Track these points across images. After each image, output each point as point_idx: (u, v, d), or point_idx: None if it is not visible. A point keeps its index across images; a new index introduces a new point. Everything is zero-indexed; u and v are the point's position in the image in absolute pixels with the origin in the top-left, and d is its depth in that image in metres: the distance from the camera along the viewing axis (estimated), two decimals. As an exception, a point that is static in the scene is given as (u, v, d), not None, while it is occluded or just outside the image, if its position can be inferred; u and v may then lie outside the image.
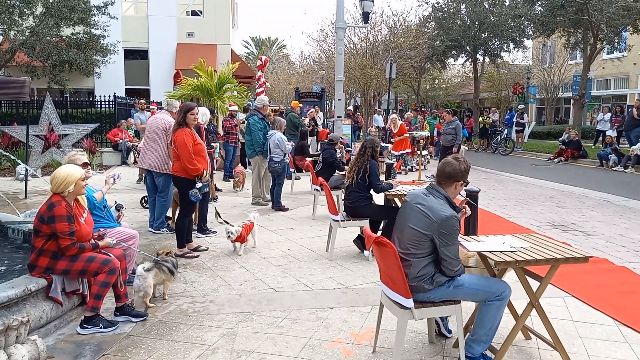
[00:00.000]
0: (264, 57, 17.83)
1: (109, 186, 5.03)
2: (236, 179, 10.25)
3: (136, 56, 23.58)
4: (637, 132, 15.87)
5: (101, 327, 3.84)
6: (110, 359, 3.47)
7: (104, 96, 17.33)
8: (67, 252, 3.76)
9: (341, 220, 5.84)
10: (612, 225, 7.77)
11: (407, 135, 14.08)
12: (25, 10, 16.35)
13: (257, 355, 3.53)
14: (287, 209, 8.45)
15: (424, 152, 14.74)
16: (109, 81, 20.89)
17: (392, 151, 14.12)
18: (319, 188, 8.00)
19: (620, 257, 6.02)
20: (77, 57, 17.73)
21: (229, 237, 5.82)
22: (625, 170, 14.33)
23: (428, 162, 14.97)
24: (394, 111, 24.79)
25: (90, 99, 19.20)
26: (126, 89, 22.39)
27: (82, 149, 12.51)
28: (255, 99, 13.64)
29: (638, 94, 26.03)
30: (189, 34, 23.28)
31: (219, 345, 3.67)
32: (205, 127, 6.91)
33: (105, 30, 18.47)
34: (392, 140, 14.63)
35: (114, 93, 17.45)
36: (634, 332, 3.92)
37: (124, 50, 22.40)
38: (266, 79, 17.25)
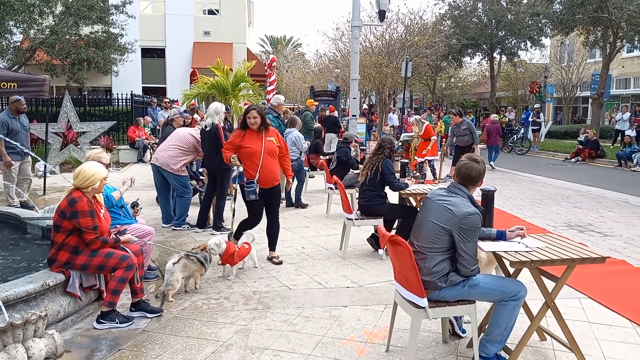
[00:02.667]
0: (271, 57, 17.91)
1: (126, 187, 5.08)
2: None
3: (153, 55, 23.82)
4: (657, 132, 15.63)
5: (117, 322, 3.89)
6: (125, 354, 3.51)
7: (122, 94, 17.52)
8: (91, 246, 3.82)
9: (355, 219, 5.83)
10: (631, 226, 7.65)
11: (435, 138, 12.22)
12: (45, 9, 16.63)
13: (271, 352, 3.55)
14: (306, 205, 8.57)
15: (419, 159, 12.42)
16: (127, 79, 21.15)
17: (416, 157, 12.28)
18: (333, 186, 8.00)
19: (638, 259, 5.92)
20: (96, 55, 17.99)
21: (212, 251, 4.88)
22: (645, 171, 14.11)
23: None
24: (410, 111, 24.63)
25: (108, 97, 19.42)
26: (143, 87, 22.64)
27: (99, 147, 12.67)
28: (266, 98, 13.70)
29: (659, 93, 25.60)
30: (205, 33, 23.45)
31: (233, 342, 3.70)
32: (222, 125, 6.93)
33: (123, 29, 18.70)
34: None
35: (131, 91, 17.64)
36: (652, 334, 3.87)
37: (142, 48, 22.65)
38: (281, 77, 17.35)
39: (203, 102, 13.92)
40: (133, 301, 4.13)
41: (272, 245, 5.70)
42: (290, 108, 20.66)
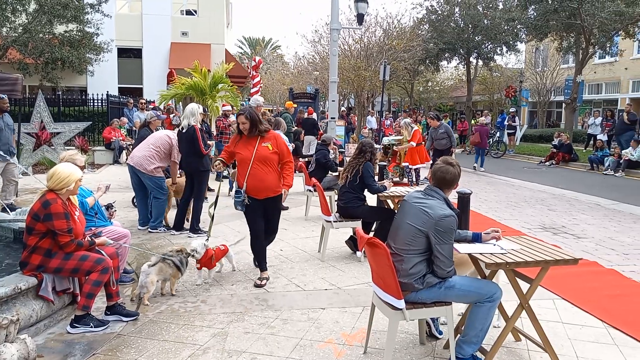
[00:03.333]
0: (257, 58, 17.82)
1: (101, 193, 4.97)
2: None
3: (130, 55, 23.51)
4: (627, 136, 16.06)
5: (92, 326, 3.82)
6: (100, 359, 3.46)
7: (97, 94, 17.25)
8: (66, 249, 3.75)
9: (334, 221, 5.85)
10: (602, 228, 7.83)
11: (413, 144, 11.44)
12: (18, 7, 16.27)
13: (249, 355, 3.53)
14: (286, 208, 8.51)
15: (405, 164, 11.84)
16: (102, 79, 20.81)
17: (404, 163, 11.77)
18: (311, 189, 8.01)
19: (609, 260, 6.07)
20: (70, 55, 17.66)
21: (192, 256, 4.80)
22: (616, 174, 14.46)
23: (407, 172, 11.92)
24: (388, 114, 24.71)
25: (83, 97, 19.08)
26: (119, 87, 22.32)
27: (74, 148, 12.46)
28: (248, 100, 13.66)
29: (629, 98, 26.26)
30: (183, 33, 23.24)
31: (210, 345, 3.67)
32: (199, 126, 6.87)
33: (98, 28, 18.41)
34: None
35: (107, 91, 17.39)
36: (623, 334, 3.96)
37: (118, 48, 22.35)
38: (260, 79, 17.27)
39: (180, 103, 13.80)
40: (108, 305, 4.07)
41: (260, 264, 5.11)
42: (269, 110, 20.62)
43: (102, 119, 16.72)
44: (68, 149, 5.53)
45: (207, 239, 5.32)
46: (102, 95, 17.10)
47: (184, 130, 6.63)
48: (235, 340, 3.75)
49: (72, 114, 16.76)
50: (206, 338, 3.78)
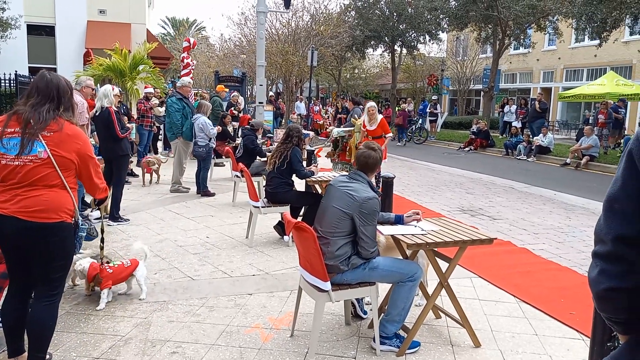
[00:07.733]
0: (192, 40, 17.15)
1: None
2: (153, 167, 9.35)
3: (41, 32, 21.96)
4: (538, 123, 17.21)
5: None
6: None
7: (4, 74, 15.99)
8: None
9: (262, 207, 5.81)
10: (516, 210, 8.33)
11: (390, 135, 9.58)
12: None
13: (173, 344, 3.45)
14: (213, 194, 8.38)
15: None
16: (10, 58, 19.28)
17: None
18: (239, 174, 7.89)
19: (522, 240, 6.47)
20: (-29, 30, 16.25)
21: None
22: (528, 159, 15.40)
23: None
24: (315, 100, 24.70)
25: (-13, 76, 17.63)
26: (30, 67, 20.82)
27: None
28: (172, 82, 13.21)
29: (540, 88, 27.97)
30: (100, 11, 21.98)
31: (132, 336, 3.54)
32: (115, 109, 6.48)
33: (5, 2, 17.03)
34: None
35: (15, 71, 16.15)
36: (532, 308, 4.24)
37: (27, 25, 20.81)
38: (191, 60, 16.59)
39: (98, 85, 13.11)
40: (19, 298, 3.81)
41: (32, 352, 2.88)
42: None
43: (10, 100, 15.53)
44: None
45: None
46: (10, 75, 15.87)
47: (97, 114, 6.27)
48: (158, 330, 3.65)
49: (-25, 94, 15.48)
50: (128, 328, 3.65)
